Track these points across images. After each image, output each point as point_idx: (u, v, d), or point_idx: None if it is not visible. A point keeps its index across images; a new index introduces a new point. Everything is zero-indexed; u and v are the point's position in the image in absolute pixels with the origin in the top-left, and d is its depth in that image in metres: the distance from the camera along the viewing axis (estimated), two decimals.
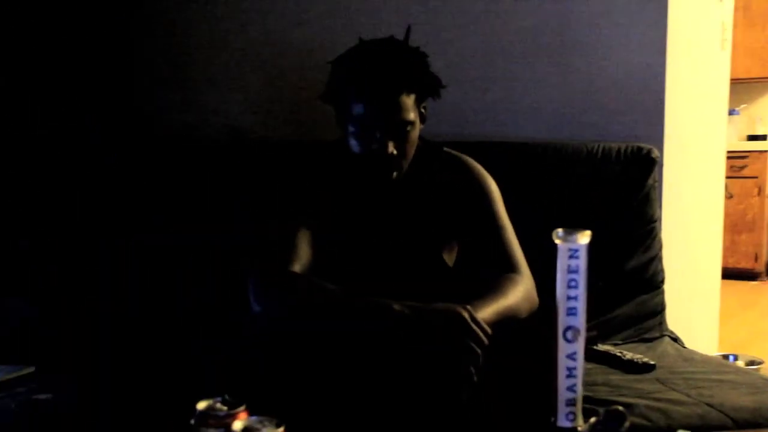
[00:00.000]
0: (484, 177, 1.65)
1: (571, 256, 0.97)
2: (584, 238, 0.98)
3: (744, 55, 5.44)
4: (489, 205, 1.62)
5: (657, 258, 2.15)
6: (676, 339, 2.10)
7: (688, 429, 1.19)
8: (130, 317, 1.93)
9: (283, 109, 2.35)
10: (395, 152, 1.47)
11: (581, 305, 0.98)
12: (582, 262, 0.97)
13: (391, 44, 1.49)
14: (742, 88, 5.75)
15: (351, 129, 1.49)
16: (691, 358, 1.91)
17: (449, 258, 1.67)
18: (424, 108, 1.57)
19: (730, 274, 5.16)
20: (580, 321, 0.98)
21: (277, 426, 0.81)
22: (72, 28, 2.31)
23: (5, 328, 1.88)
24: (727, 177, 5.20)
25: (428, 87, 1.53)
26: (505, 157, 2.00)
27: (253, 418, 0.84)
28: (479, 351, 1.25)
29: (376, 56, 1.46)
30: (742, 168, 5.50)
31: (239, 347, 1.42)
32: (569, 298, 0.97)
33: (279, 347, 1.30)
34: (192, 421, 0.88)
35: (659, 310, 2.13)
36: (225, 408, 0.87)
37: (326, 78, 1.55)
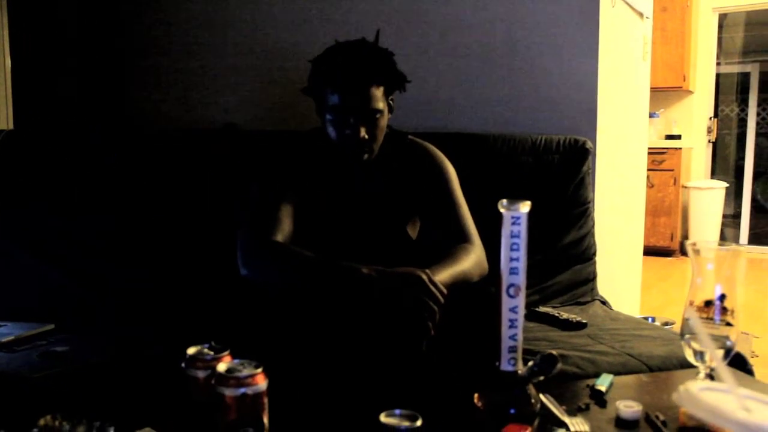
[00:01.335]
0: (442, 160, 1.63)
1: (513, 223, 0.95)
2: (525, 207, 0.96)
3: (662, 67, 5.46)
4: (446, 185, 1.60)
5: (590, 234, 2.14)
6: (605, 303, 2.09)
7: (610, 373, 1.17)
8: (139, 282, 1.88)
9: (271, 104, 2.30)
10: (366, 137, 1.46)
11: (522, 265, 0.95)
12: (523, 228, 0.95)
13: (363, 44, 1.48)
14: (661, 95, 5.78)
15: (328, 117, 1.48)
16: (617, 317, 1.91)
17: (413, 231, 1.64)
18: (392, 100, 1.56)
19: (650, 251, 5.20)
20: (521, 279, 0.95)
21: (256, 367, 0.78)
22: (71, 23, 2.23)
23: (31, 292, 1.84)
24: (649, 169, 5.25)
25: (395, 81, 1.51)
26: (460, 146, 1.97)
27: (236, 360, 0.81)
28: (436, 308, 1.23)
29: (350, 54, 1.44)
30: (661, 162, 5.53)
31: (230, 304, 1.39)
32: (512, 259, 0.95)
33: (263, 304, 1.28)
34: (182, 364, 0.84)
35: (591, 278, 2.12)
36: (211, 353, 0.84)
37: (308, 75, 1.53)
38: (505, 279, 0.95)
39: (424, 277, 1.25)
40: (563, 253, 2.06)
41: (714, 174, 6.50)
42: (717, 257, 1.06)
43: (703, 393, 0.58)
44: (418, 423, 0.83)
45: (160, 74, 2.33)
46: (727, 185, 5.92)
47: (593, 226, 2.15)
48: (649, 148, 5.14)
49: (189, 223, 1.95)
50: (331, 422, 0.96)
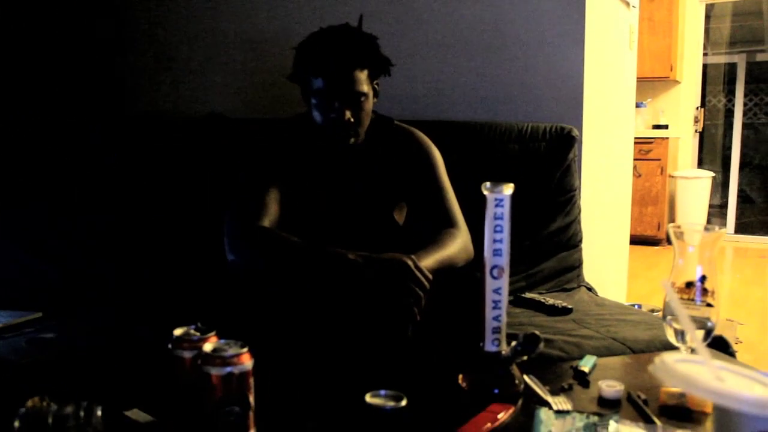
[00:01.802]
0: (428, 146, 1.64)
1: (497, 205, 0.96)
2: (508, 189, 0.97)
3: (649, 57, 5.49)
4: (433, 170, 1.61)
5: (576, 221, 2.15)
6: (590, 289, 2.11)
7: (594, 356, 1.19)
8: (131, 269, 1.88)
9: (257, 93, 2.30)
10: (352, 120, 1.47)
11: (505, 247, 0.96)
12: (506, 210, 0.96)
13: (346, 29, 1.48)
14: (648, 85, 5.81)
15: (314, 101, 1.48)
16: (602, 303, 1.93)
17: (399, 216, 1.65)
18: (377, 84, 1.56)
19: (637, 240, 5.25)
20: (504, 260, 0.97)
21: (242, 347, 0.79)
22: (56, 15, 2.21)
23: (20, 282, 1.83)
24: (636, 159, 5.29)
25: (379, 65, 1.52)
26: (447, 134, 1.97)
27: (222, 341, 0.81)
28: (422, 294, 1.24)
29: (333, 38, 1.45)
30: (648, 152, 5.56)
31: (219, 288, 1.39)
32: (495, 241, 0.96)
33: (250, 289, 1.28)
34: (169, 345, 0.85)
35: (577, 265, 2.14)
36: (198, 334, 0.85)
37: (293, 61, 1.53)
38: (489, 260, 0.96)
39: (410, 263, 1.25)
40: (549, 240, 2.08)
41: (701, 164, 6.55)
42: (698, 239, 1.07)
43: (678, 364, 0.60)
44: (403, 403, 0.85)
45: (148, 66, 2.31)
46: (714, 175, 5.97)
47: (579, 214, 2.17)
48: (637, 138, 5.21)
49: (177, 210, 1.94)
50: (317, 402, 0.97)
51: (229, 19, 2.29)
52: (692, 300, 1.06)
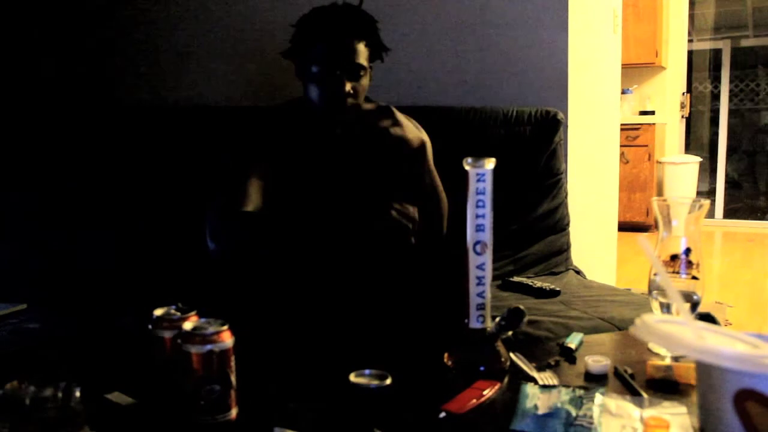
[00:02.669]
0: (420, 130, 1.66)
1: (478, 180, 0.95)
2: (489, 164, 0.96)
3: (635, 44, 5.51)
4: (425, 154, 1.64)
5: (563, 204, 2.15)
6: (579, 272, 2.11)
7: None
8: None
9: (243, 83, 2.28)
10: (350, 91, 1.46)
11: (488, 222, 0.96)
12: (488, 185, 0.96)
13: (349, 5, 1.51)
14: (635, 71, 5.82)
15: (314, 70, 1.46)
16: (590, 285, 1.93)
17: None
18: (371, 67, 1.56)
19: (626, 226, 5.25)
20: (487, 236, 0.96)
21: (222, 325, 0.78)
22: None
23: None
24: (624, 145, 5.31)
25: (378, 45, 1.53)
26: (433, 120, 1.96)
27: (202, 319, 0.81)
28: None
29: (337, 9, 1.48)
30: (635, 138, 5.58)
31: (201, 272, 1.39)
32: (477, 216, 0.96)
33: (232, 272, 1.28)
34: (149, 326, 0.84)
35: (565, 248, 2.14)
36: (178, 314, 0.84)
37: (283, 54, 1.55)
38: (472, 236, 0.96)
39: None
40: (537, 223, 2.08)
41: (688, 149, 6.58)
42: (682, 212, 1.07)
43: (659, 324, 0.59)
44: (388, 382, 0.84)
45: (136, 54, 2.28)
46: (701, 160, 6.00)
47: (566, 197, 2.17)
48: (624, 124, 5.22)
49: (163, 200, 1.93)
50: (301, 382, 0.96)
51: (217, 8, 2.26)
52: (677, 273, 1.06)
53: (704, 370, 0.57)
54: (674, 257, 1.06)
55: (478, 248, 0.96)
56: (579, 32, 2.43)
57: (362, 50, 1.47)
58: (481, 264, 0.96)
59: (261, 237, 1.35)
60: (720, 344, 0.55)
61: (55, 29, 2.22)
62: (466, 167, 0.96)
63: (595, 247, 2.85)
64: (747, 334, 0.62)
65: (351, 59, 1.45)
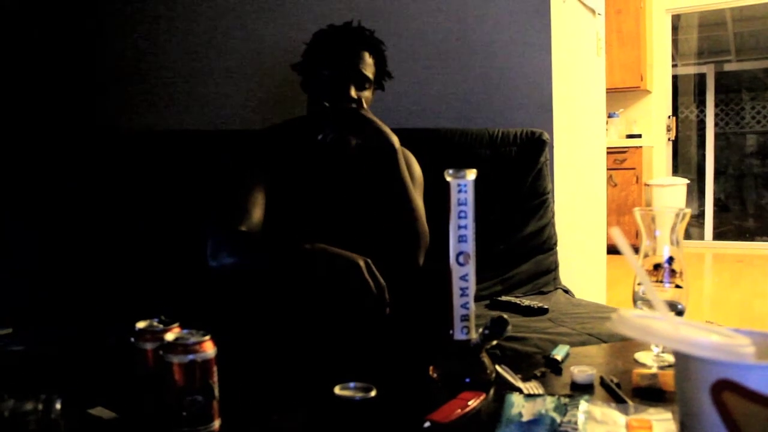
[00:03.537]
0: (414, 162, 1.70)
1: (460, 191, 0.96)
2: (471, 174, 0.97)
3: (620, 68, 5.60)
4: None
5: (550, 224, 2.17)
6: (567, 291, 2.12)
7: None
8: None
9: (250, 105, 2.23)
10: (355, 97, 1.50)
11: (470, 233, 0.97)
12: (470, 196, 0.97)
13: (361, 26, 1.59)
14: (620, 95, 5.92)
15: (324, 73, 1.51)
16: (579, 303, 1.94)
17: None
18: (374, 90, 1.62)
19: (616, 249, 5.27)
20: (470, 246, 0.97)
21: (204, 335, 0.78)
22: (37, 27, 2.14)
23: None
24: (612, 169, 5.36)
25: (383, 63, 1.60)
26: (420, 142, 1.98)
27: (185, 331, 0.81)
28: (374, 295, 1.19)
29: (350, 25, 1.57)
30: (623, 161, 5.64)
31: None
32: (460, 227, 0.97)
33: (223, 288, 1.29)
34: (132, 339, 0.84)
35: (553, 267, 2.15)
36: (161, 326, 0.84)
37: (289, 76, 1.64)
38: (454, 247, 0.96)
39: (362, 263, 1.20)
40: (524, 243, 2.09)
41: (676, 172, 6.66)
42: (664, 220, 1.09)
43: (636, 318, 0.60)
44: (372, 394, 0.84)
45: (127, 75, 2.23)
46: (688, 182, 6.05)
47: (553, 217, 2.19)
48: (611, 148, 5.28)
49: (154, 221, 1.89)
50: (285, 395, 0.96)
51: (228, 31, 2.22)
52: (661, 282, 1.08)
53: (682, 363, 0.58)
54: (657, 266, 1.07)
55: (462, 259, 0.96)
56: (563, 55, 2.48)
57: (369, 62, 1.54)
58: (464, 275, 0.97)
59: (257, 260, 1.35)
60: (697, 335, 0.56)
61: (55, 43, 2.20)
62: (448, 178, 0.97)
63: (585, 269, 2.86)
64: (726, 328, 0.62)
65: (358, 66, 1.51)
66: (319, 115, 1.47)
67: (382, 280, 1.21)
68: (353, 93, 1.49)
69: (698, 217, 6.73)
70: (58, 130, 1.96)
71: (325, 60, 1.51)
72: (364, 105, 1.52)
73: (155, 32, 2.08)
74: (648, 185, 5.79)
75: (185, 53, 2.10)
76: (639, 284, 1.08)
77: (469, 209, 0.96)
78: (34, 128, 1.96)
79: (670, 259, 1.07)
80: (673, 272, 1.07)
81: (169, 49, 2.09)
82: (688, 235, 6.57)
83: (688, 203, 6.22)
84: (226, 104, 2.12)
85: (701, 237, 6.55)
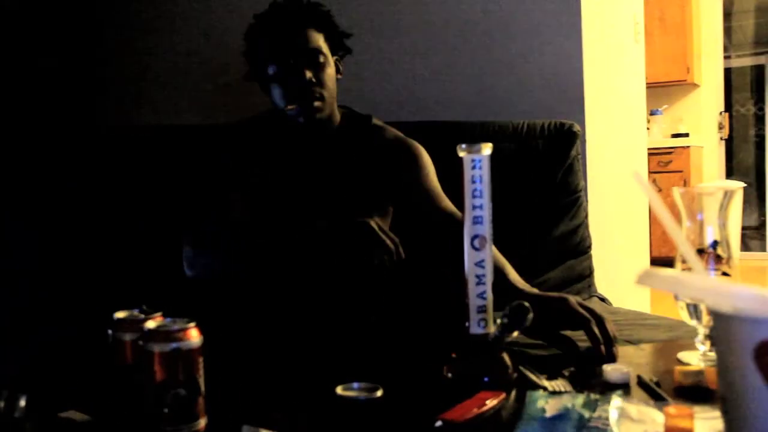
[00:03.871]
0: (416, 147, 1.67)
1: (474, 167, 0.96)
2: (486, 149, 0.98)
3: (663, 60, 5.57)
4: (421, 172, 1.64)
5: (583, 225, 2.16)
6: (604, 299, 2.10)
7: None
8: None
9: (222, 103, 2.29)
10: (313, 80, 1.50)
11: (486, 214, 0.97)
12: (485, 173, 0.97)
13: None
14: (664, 90, 5.88)
15: (270, 70, 1.52)
16: (616, 311, 1.91)
17: (384, 222, 1.65)
18: (339, 61, 1.62)
19: (662, 262, 5.22)
20: (486, 229, 0.97)
21: (188, 323, 0.79)
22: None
23: None
24: (655, 172, 5.32)
25: (334, 32, 1.58)
26: (435, 136, 1.98)
27: (167, 319, 0.81)
28: (389, 253, 1.27)
29: (276, 5, 1.55)
30: (668, 163, 5.59)
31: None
32: (474, 207, 0.97)
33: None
34: (110, 331, 0.85)
35: (587, 273, 2.14)
36: (141, 315, 0.85)
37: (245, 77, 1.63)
38: (469, 230, 0.96)
39: (374, 225, 1.29)
40: (554, 246, 2.08)
41: (730, 176, 6.57)
42: (710, 201, 1.07)
43: (666, 271, 0.59)
44: (378, 394, 0.84)
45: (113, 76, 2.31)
46: (744, 185, 5.97)
47: (587, 217, 2.17)
48: (655, 149, 5.24)
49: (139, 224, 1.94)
50: (288, 396, 0.96)
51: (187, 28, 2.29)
52: (705, 270, 1.06)
53: (721, 326, 0.56)
54: (700, 251, 1.06)
55: (477, 243, 0.96)
56: (595, 40, 2.47)
57: (315, 36, 1.53)
58: (480, 261, 0.96)
59: (235, 261, 1.38)
60: (736, 286, 0.54)
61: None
62: (461, 153, 0.97)
63: (625, 277, 2.83)
64: None
65: (303, 45, 1.51)
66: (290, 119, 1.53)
67: (393, 236, 1.29)
68: (309, 75, 1.49)
69: (759, 228, 6.64)
70: (58, 130, 2.03)
71: (265, 57, 1.53)
72: (326, 82, 1.53)
73: (155, 32, 2.16)
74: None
75: (186, 53, 2.17)
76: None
77: (485, 187, 0.96)
78: (34, 128, 2.05)
79: (715, 243, 1.05)
80: (718, 258, 1.05)
81: (169, 48, 2.16)
82: (746, 247, 6.50)
83: (745, 212, 6.16)
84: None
85: (762, 249, 6.47)
